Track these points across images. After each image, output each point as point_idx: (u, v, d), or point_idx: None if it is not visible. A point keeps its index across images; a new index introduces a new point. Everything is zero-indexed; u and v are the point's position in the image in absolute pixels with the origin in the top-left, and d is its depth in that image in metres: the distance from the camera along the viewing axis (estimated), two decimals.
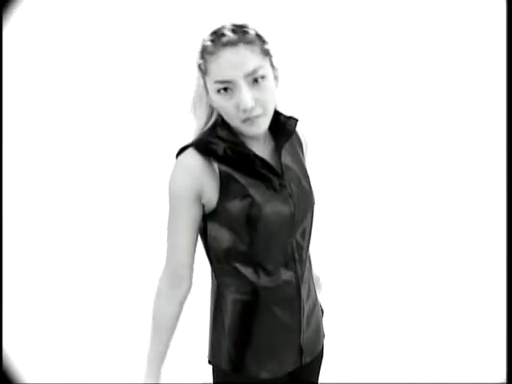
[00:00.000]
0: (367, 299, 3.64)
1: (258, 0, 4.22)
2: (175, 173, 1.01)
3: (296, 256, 1.07)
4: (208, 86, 0.96)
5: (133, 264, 4.34)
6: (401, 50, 4.35)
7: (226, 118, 0.97)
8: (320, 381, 2.43)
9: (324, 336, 1.23)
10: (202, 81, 0.98)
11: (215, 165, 0.99)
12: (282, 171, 1.02)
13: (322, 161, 4.58)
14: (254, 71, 0.91)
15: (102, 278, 4.06)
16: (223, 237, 1.03)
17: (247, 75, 0.91)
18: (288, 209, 1.03)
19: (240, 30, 0.92)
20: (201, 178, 0.99)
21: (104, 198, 4.66)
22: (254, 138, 1.02)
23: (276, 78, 0.99)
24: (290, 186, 1.04)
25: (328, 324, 3.16)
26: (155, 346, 1.10)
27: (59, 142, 4.59)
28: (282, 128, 1.02)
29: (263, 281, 1.05)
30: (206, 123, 1.03)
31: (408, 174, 4.50)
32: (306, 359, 1.14)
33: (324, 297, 3.63)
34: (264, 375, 1.08)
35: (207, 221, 1.05)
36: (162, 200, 4.67)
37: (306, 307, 1.12)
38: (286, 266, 1.06)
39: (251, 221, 0.99)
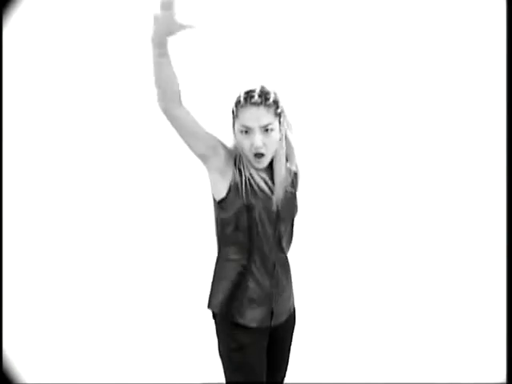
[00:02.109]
0: (367, 300, 3.64)
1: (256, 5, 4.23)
2: None
3: (277, 247, 1.46)
4: (235, 125, 1.39)
5: (133, 264, 4.34)
6: (400, 54, 4.36)
7: (241, 150, 1.39)
8: (319, 380, 2.43)
9: (294, 309, 1.56)
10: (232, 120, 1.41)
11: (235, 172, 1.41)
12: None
13: (321, 162, 4.59)
14: (267, 125, 1.34)
15: (101, 279, 4.06)
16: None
17: (261, 126, 1.34)
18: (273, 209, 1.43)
19: (264, 95, 1.34)
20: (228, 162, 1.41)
21: (104, 199, 4.66)
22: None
23: (280, 131, 1.40)
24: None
25: (329, 324, 3.17)
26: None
27: (59, 143, 4.59)
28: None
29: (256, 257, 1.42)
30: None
31: (408, 175, 4.51)
32: (276, 321, 1.46)
33: (323, 299, 3.64)
34: (241, 321, 1.41)
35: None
36: (162, 200, 4.67)
37: (281, 283, 1.47)
38: (270, 252, 1.44)
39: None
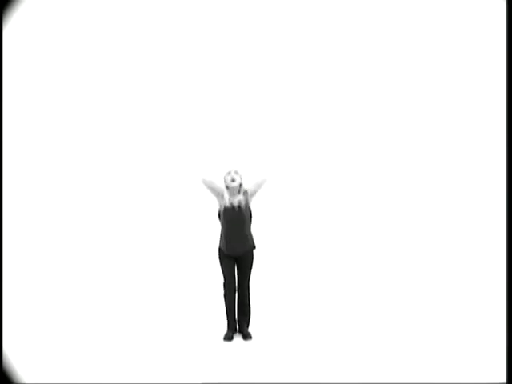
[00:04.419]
0: (368, 300, 3.65)
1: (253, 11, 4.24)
2: None
3: (235, 223, 3.18)
4: (224, 187, 3.21)
5: (132, 264, 4.34)
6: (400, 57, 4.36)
7: (227, 183, 3.20)
8: (318, 380, 2.44)
9: (250, 247, 3.18)
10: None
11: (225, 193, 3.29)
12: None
13: (324, 164, 4.59)
14: (240, 185, 3.24)
15: (101, 279, 4.06)
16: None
17: (234, 173, 3.27)
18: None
19: (236, 175, 3.25)
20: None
21: (104, 199, 4.66)
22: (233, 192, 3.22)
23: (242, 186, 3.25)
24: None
25: (330, 324, 3.17)
26: None
27: (59, 142, 4.59)
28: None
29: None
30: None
31: (409, 176, 4.51)
32: (234, 253, 3.14)
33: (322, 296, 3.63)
34: (222, 250, 3.20)
35: None
36: (161, 200, 4.67)
37: (234, 236, 3.15)
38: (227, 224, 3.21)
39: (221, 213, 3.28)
